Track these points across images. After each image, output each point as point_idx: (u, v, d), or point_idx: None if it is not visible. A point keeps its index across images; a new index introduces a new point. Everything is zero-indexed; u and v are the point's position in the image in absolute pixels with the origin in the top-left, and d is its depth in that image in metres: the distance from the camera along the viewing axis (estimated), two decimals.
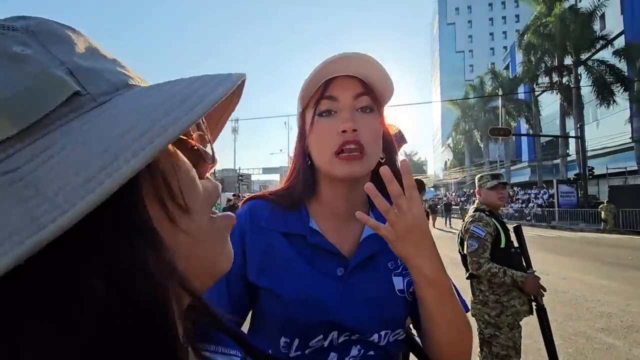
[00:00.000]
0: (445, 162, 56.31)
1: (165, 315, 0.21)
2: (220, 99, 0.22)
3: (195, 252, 0.26)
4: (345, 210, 0.71)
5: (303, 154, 0.72)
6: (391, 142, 0.74)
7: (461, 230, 2.44)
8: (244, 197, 1.03)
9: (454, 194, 38.89)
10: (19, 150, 0.19)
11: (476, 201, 2.57)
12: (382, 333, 0.65)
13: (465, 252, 2.33)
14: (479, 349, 2.42)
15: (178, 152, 0.26)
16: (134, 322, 0.19)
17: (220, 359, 0.32)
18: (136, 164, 0.18)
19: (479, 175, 2.58)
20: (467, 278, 2.41)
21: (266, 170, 39.51)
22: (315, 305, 0.62)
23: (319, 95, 0.67)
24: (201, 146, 0.29)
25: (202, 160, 0.29)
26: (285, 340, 0.62)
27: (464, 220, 2.46)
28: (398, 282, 0.68)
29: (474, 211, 2.43)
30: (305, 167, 0.71)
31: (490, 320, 2.24)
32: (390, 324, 0.66)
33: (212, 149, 0.31)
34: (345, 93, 0.67)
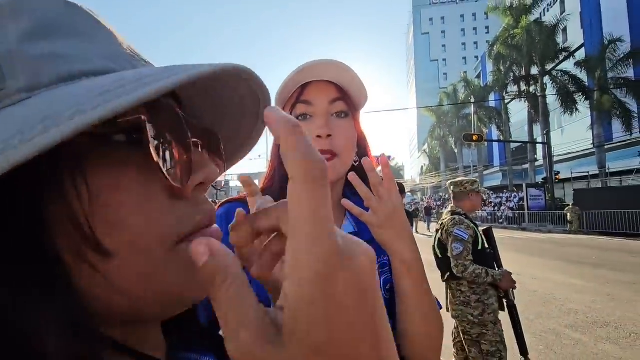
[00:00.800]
0: (422, 167, 57.64)
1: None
2: (171, 86, 0.19)
3: (145, 287, 0.22)
4: None
5: (279, 156, 0.71)
6: (366, 147, 0.76)
7: (440, 233, 2.45)
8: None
9: (430, 198, 39.81)
10: None
11: (450, 205, 2.61)
12: None
13: (449, 254, 2.33)
14: (454, 350, 2.47)
15: (131, 168, 0.23)
16: None
17: None
18: (14, 157, 0.16)
19: (461, 180, 2.61)
20: (444, 280, 2.45)
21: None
22: None
23: (295, 100, 0.68)
24: (179, 159, 0.24)
25: (182, 174, 0.24)
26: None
27: (441, 224, 2.49)
28: None
29: (452, 214, 2.46)
30: (281, 170, 0.71)
31: (475, 320, 2.28)
32: None
33: (222, 170, 0.28)
34: (321, 98, 0.68)
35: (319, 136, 0.66)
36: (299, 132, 0.18)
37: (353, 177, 0.63)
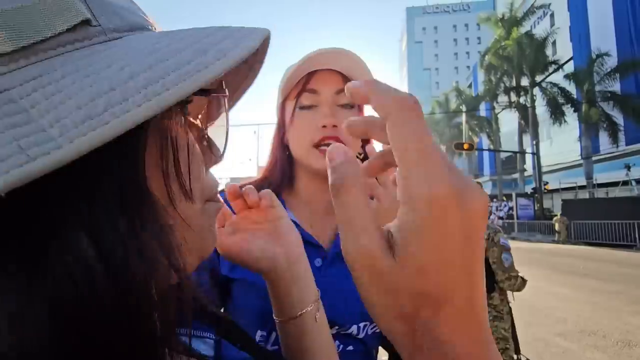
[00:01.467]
0: None
1: (146, 292, 0.19)
2: (248, 53, 0.20)
3: (186, 236, 0.24)
4: (321, 204, 0.72)
5: (282, 145, 0.72)
6: (369, 140, 0.75)
7: None
8: None
9: None
10: (11, 71, 0.17)
11: None
12: (361, 325, 0.65)
13: (496, 266, 2.12)
14: None
15: (190, 133, 0.25)
16: (112, 294, 0.17)
17: (194, 342, 0.31)
18: (148, 110, 0.16)
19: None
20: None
21: (234, 180, 38.12)
22: None
23: (301, 88, 0.67)
24: (212, 139, 0.29)
25: (210, 152, 0.29)
26: (262, 334, 0.61)
27: None
28: None
29: None
30: (283, 158, 0.71)
31: (505, 334, 2.13)
32: (369, 315, 0.65)
33: (225, 143, 0.30)
34: (327, 87, 0.67)
35: (324, 126, 0.65)
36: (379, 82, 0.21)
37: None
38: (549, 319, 4.55)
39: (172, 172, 0.23)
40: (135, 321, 0.18)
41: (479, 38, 63.78)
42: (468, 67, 54.95)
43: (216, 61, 0.19)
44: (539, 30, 22.19)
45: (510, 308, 2.22)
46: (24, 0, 0.18)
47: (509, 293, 2.20)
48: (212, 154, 0.29)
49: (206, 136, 0.29)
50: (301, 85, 0.67)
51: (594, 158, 19.28)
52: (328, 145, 0.64)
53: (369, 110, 0.74)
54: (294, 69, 0.66)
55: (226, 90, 0.27)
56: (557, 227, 14.91)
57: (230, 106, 0.33)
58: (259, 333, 0.61)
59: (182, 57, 0.19)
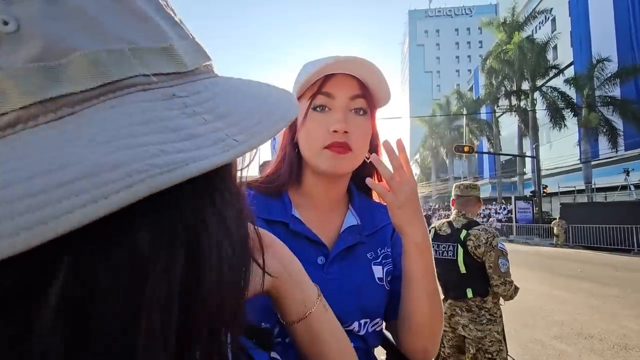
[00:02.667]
0: None
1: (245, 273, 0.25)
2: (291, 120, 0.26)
3: None
4: (326, 203, 0.73)
5: (292, 143, 0.72)
6: (377, 145, 0.77)
7: (472, 247, 2.15)
8: None
9: (422, 207, 40.03)
10: (181, 84, 0.22)
11: (457, 211, 2.34)
12: (362, 322, 0.66)
13: (491, 271, 2.09)
14: None
15: None
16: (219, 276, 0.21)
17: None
18: (279, 127, 0.23)
19: (474, 183, 2.46)
20: (460, 299, 2.17)
21: None
22: None
23: (316, 89, 0.68)
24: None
25: None
26: (266, 326, 0.61)
27: (464, 237, 2.20)
28: (378, 271, 0.70)
29: (470, 222, 2.24)
30: (292, 156, 0.72)
31: (499, 337, 2.13)
32: (370, 312, 0.67)
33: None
34: (342, 92, 0.68)
35: (335, 131, 0.66)
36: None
37: (375, 158, 0.66)
38: (545, 322, 4.54)
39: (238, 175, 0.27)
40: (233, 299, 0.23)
41: (480, 42, 63.80)
42: (469, 70, 54.93)
43: (293, 110, 0.26)
44: (541, 35, 22.17)
45: (501, 311, 2.21)
46: (185, 40, 0.24)
47: (500, 298, 2.19)
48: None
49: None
50: (317, 87, 0.68)
51: (593, 162, 19.27)
52: (338, 148, 0.67)
53: (379, 116, 0.76)
54: (311, 71, 0.66)
55: None
56: (555, 230, 14.89)
57: None
58: (263, 325, 0.61)
59: (277, 105, 0.26)
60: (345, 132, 0.66)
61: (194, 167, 0.17)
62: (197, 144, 0.18)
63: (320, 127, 0.67)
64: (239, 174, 0.27)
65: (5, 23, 0.17)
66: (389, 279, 0.72)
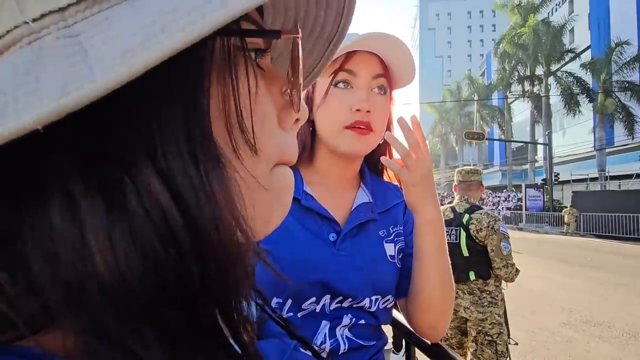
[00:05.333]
0: None
1: (220, 238, 0.19)
2: None
3: (250, 199, 0.22)
4: (339, 181, 0.73)
5: (307, 120, 0.71)
6: (391, 126, 0.76)
7: (475, 231, 2.17)
8: None
9: None
10: (87, 18, 0.16)
11: (460, 196, 2.35)
12: (373, 298, 0.67)
13: (493, 254, 2.10)
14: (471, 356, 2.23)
15: (266, 83, 0.24)
16: (187, 236, 0.18)
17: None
18: (180, 39, 0.15)
19: (475, 168, 2.45)
20: (463, 281, 2.17)
21: None
22: (308, 265, 0.63)
23: (338, 66, 0.66)
24: (290, 92, 0.26)
25: (287, 107, 0.26)
26: (278, 301, 0.62)
27: (467, 221, 2.21)
28: (389, 249, 0.71)
29: (473, 207, 2.27)
30: (307, 132, 0.71)
31: (499, 319, 2.15)
32: (381, 289, 0.68)
33: (299, 98, 0.27)
34: (365, 71, 0.67)
35: (358, 110, 0.65)
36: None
37: (389, 135, 0.68)
38: (553, 309, 4.53)
39: (235, 122, 0.21)
40: (209, 267, 0.19)
41: (494, 25, 61.93)
42: (482, 55, 53.60)
43: None
44: (557, 18, 21.40)
45: (503, 295, 2.22)
46: None
47: (502, 281, 2.22)
48: (293, 110, 0.26)
49: (289, 91, 0.26)
50: (339, 64, 0.66)
51: (607, 150, 18.81)
52: (360, 128, 0.65)
53: (396, 96, 0.75)
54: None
55: (300, 31, 0.24)
56: (566, 218, 14.71)
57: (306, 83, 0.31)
58: (275, 300, 0.63)
59: None
60: (368, 111, 0.66)
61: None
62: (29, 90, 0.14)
63: (342, 105, 0.66)
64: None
65: None
66: (400, 256, 0.72)
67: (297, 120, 0.27)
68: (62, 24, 0.16)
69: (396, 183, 0.79)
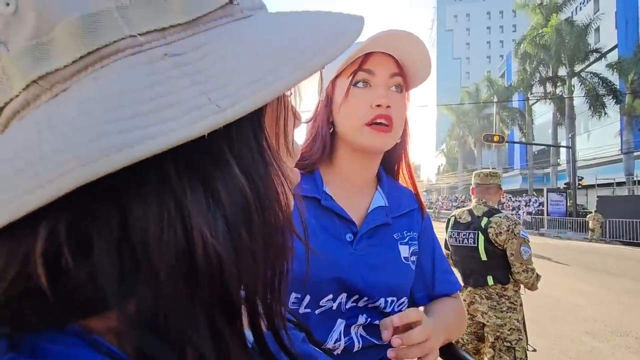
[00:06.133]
0: (439, 167, 56.76)
1: (287, 222, 0.24)
2: (354, 41, 0.23)
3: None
4: (358, 182, 0.75)
5: (327, 120, 0.73)
6: (407, 128, 0.78)
7: (494, 234, 2.11)
8: None
9: (446, 198, 39.19)
10: (182, 39, 0.20)
11: (477, 199, 2.29)
12: (389, 299, 0.69)
13: (513, 258, 2.06)
14: None
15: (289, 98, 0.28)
16: (263, 220, 0.21)
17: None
18: (300, 75, 0.19)
19: (494, 171, 2.40)
20: (480, 286, 2.13)
21: None
22: (327, 262, 0.65)
23: (357, 67, 0.69)
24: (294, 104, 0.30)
25: (296, 119, 0.30)
26: (296, 296, 0.65)
27: (486, 224, 2.15)
28: (404, 250, 0.73)
29: (491, 210, 2.21)
30: (327, 133, 0.73)
31: (518, 325, 2.09)
32: (396, 290, 0.70)
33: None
34: (383, 70, 0.70)
35: (378, 105, 0.67)
36: None
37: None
38: (576, 317, 4.36)
39: (282, 132, 0.26)
40: (275, 238, 0.23)
41: (514, 26, 60.51)
42: (501, 56, 52.39)
43: (341, 42, 0.22)
44: (581, 17, 20.73)
45: (522, 300, 2.17)
46: None
47: (521, 286, 2.15)
48: (295, 118, 0.30)
49: (294, 105, 0.30)
50: (357, 65, 0.69)
51: (635, 153, 18.01)
52: (380, 123, 0.67)
53: (413, 98, 0.76)
54: (353, 49, 0.67)
55: None
56: (590, 224, 14.14)
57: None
58: (293, 295, 0.64)
59: (314, 34, 0.22)
60: (388, 106, 0.68)
61: (138, 149, 0.16)
62: (167, 116, 0.17)
63: (362, 102, 0.68)
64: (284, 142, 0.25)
65: (7, 4, 0.17)
66: (413, 259, 0.74)
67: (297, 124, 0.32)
68: (163, 41, 0.19)
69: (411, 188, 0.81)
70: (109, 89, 0.17)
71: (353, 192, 0.74)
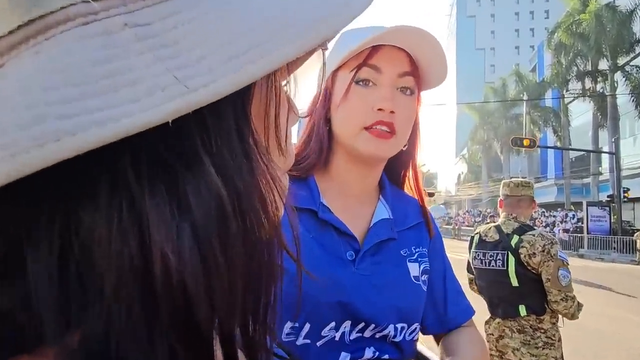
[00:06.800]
0: (459, 176, 56.86)
1: (270, 226, 0.23)
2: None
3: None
4: (357, 191, 0.75)
5: (325, 118, 0.73)
6: (416, 131, 0.79)
7: (527, 256, 2.09)
8: None
9: (467, 212, 39.11)
10: (148, 6, 0.19)
11: (505, 214, 2.27)
12: (399, 326, 0.69)
13: (550, 285, 2.03)
14: None
15: (284, 89, 0.28)
16: (240, 226, 0.20)
17: None
18: (291, 52, 0.19)
19: (527, 180, 2.42)
20: (511, 317, 2.11)
21: None
22: (326, 285, 0.63)
23: (362, 61, 0.68)
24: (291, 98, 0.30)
25: (291, 112, 0.30)
26: (293, 326, 0.64)
27: (517, 243, 2.13)
28: (413, 269, 0.73)
29: (523, 226, 2.19)
30: (323, 133, 0.72)
31: None
32: (406, 315, 0.70)
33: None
34: (391, 67, 0.69)
35: (380, 109, 0.67)
36: None
37: None
38: (620, 350, 4.39)
39: (272, 125, 0.25)
40: (260, 255, 0.22)
41: (546, 12, 61.45)
42: (532, 47, 53.09)
43: (345, 13, 0.21)
44: (625, 1, 21.09)
45: (560, 334, 2.14)
46: None
47: (559, 317, 2.13)
48: (290, 109, 0.30)
49: (290, 95, 0.30)
50: (362, 58, 0.68)
51: None
52: (381, 130, 0.67)
53: (428, 96, 0.79)
54: (358, 40, 0.66)
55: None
56: (638, 244, 14.21)
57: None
58: (288, 325, 0.64)
59: (316, 4, 0.21)
60: (392, 112, 0.67)
61: (80, 138, 0.15)
62: (121, 98, 0.16)
63: (363, 103, 0.68)
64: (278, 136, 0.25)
65: None
66: (424, 278, 0.74)
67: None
68: (124, 9, 0.18)
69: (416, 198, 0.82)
70: (50, 64, 0.16)
71: (352, 202, 0.73)
